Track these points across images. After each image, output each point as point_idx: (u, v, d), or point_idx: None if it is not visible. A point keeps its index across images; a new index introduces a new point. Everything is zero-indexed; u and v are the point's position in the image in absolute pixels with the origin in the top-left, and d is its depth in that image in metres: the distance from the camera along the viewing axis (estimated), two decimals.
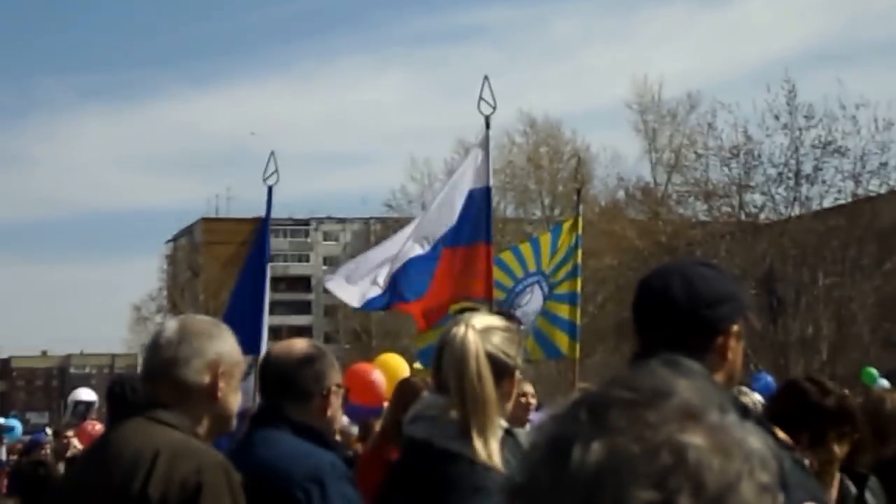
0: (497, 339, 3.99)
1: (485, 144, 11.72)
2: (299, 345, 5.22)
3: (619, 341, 42.29)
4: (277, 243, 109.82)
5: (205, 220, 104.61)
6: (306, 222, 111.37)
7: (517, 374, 4.13)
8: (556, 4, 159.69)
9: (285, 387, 4.90)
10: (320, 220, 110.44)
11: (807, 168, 39.62)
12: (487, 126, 10.95)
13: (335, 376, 4.98)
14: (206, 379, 4.19)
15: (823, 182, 40.03)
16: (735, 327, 3.80)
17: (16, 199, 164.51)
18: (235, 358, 4.37)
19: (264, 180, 10.08)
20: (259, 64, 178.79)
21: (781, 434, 4.36)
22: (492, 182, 11.87)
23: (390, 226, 57.86)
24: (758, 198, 41.48)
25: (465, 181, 11.72)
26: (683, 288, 3.74)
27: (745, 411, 3.34)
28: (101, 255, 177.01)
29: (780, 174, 39.61)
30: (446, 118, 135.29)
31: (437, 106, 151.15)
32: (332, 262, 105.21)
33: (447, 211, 11.62)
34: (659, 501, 1.57)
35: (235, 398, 4.35)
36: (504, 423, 3.93)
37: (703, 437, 1.64)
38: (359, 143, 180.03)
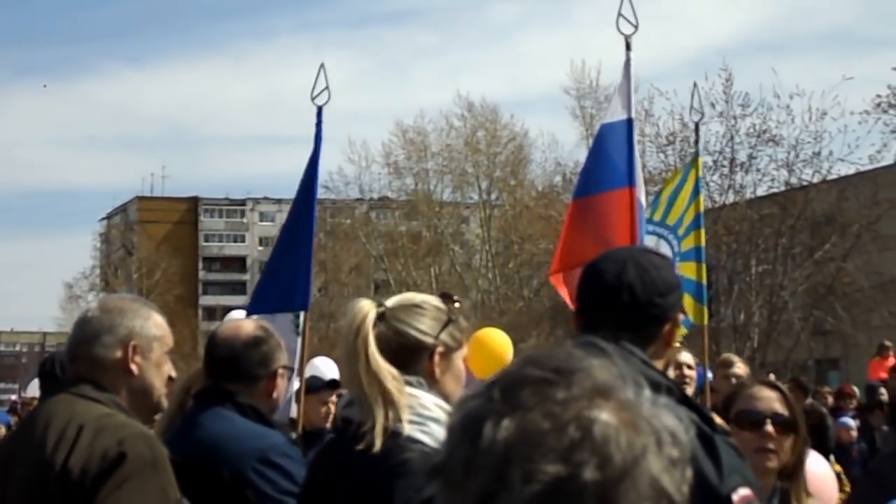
0: (408, 316, 4.01)
1: (626, 70, 9.84)
2: (247, 327, 5.20)
3: (553, 326, 42.68)
4: (213, 223, 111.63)
5: (139, 198, 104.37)
6: (242, 203, 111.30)
7: (460, 353, 4.12)
8: None
9: (232, 368, 4.89)
10: (256, 201, 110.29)
11: (741, 156, 40.06)
12: (628, 48, 9.41)
13: (281, 358, 4.97)
14: (119, 354, 4.20)
15: (758, 170, 40.47)
16: (679, 316, 3.96)
17: None
18: (152, 333, 4.34)
19: (313, 99, 8.90)
20: (195, 43, 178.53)
21: (718, 419, 4.38)
22: (633, 113, 9.80)
23: (327, 207, 58.50)
24: None
25: (606, 115, 10.12)
26: (639, 275, 3.82)
27: (668, 392, 3.10)
28: (33, 233, 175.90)
29: (714, 162, 39.98)
30: (384, 100, 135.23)
31: (374, 88, 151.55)
32: (267, 243, 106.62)
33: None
34: (565, 475, 1.64)
35: (157, 374, 4.33)
36: (445, 406, 3.90)
37: (612, 414, 1.71)
38: (295, 124, 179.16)
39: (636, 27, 9.22)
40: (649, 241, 9.89)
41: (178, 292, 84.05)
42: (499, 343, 9.79)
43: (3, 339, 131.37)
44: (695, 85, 11.08)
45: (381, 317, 4.00)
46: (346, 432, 4.05)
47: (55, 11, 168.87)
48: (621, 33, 9.15)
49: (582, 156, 51.78)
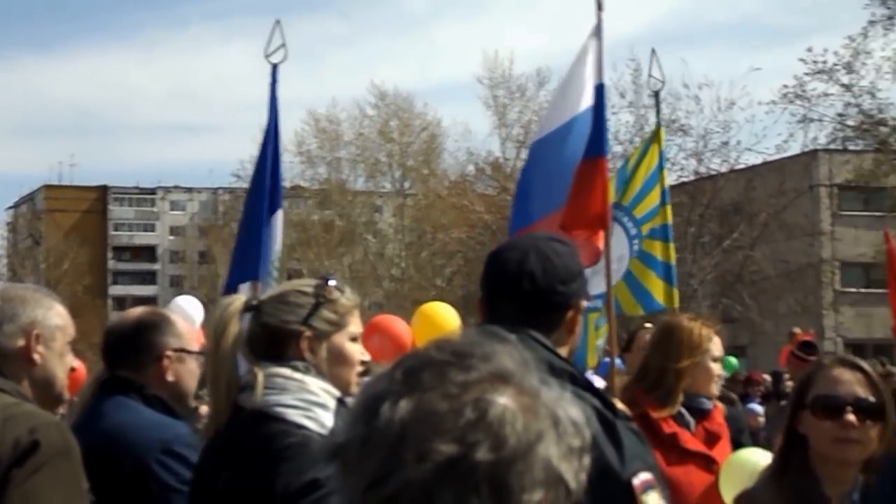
0: (272, 307, 4.05)
1: (598, 31, 9.03)
2: (135, 313, 5.23)
3: (466, 314, 42.73)
4: (123, 212, 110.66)
5: (47, 187, 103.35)
6: (153, 191, 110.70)
7: (339, 336, 4.09)
8: None
9: (118, 355, 4.88)
10: (167, 190, 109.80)
11: None
12: (600, 7, 8.74)
13: (172, 342, 4.92)
14: (20, 343, 4.16)
15: (667, 160, 41.01)
16: (583, 303, 3.97)
17: None
18: (54, 323, 4.29)
19: (267, 57, 8.57)
20: (105, 31, 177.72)
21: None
22: (606, 79, 9.14)
23: (238, 196, 58.60)
24: None
25: (587, 77, 9.13)
26: (540, 263, 3.83)
27: (572, 379, 3.36)
28: None
29: (625, 151, 40.52)
30: (294, 89, 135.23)
31: (286, 77, 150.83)
32: (178, 233, 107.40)
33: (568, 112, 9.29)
34: (458, 454, 1.69)
35: (59, 365, 4.29)
36: (333, 391, 3.94)
37: (511, 398, 1.74)
38: (206, 114, 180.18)
39: None
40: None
41: (87, 282, 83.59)
42: (445, 318, 9.79)
43: None
44: (653, 52, 10.48)
45: (253, 313, 4.06)
46: (235, 419, 4.05)
47: None
48: None
49: (495, 145, 52.14)
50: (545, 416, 1.81)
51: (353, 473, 1.81)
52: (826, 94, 38.28)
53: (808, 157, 43.77)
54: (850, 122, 38.90)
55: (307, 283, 4.31)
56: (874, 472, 3.88)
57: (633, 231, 10.08)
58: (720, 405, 6.33)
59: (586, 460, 1.86)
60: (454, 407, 1.77)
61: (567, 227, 8.28)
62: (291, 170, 58.50)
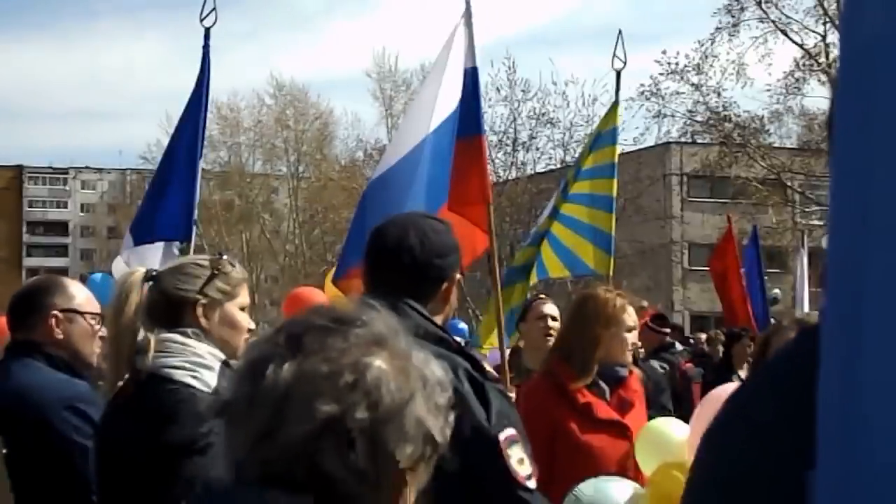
0: (171, 277, 4.05)
1: (468, 17, 8.16)
2: (31, 279, 5.18)
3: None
4: (37, 190, 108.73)
5: None
6: (65, 171, 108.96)
7: (229, 305, 4.07)
8: None
9: (15, 317, 4.81)
10: (79, 170, 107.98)
11: (523, 136, 41.36)
12: None
13: (60, 302, 4.78)
14: None
15: (537, 149, 41.66)
16: (457, 275, 3.97)
17: None
18: None
19: (201, 21, 8.31)
20: (20, 22, 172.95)
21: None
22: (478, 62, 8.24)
23: (145, 177, 57.84)
24: None
25: (458, 60, 8.26)
26: (419, 238, 3.84)
27: (445, 344, 3.39)
28: None
29: (500, 141, 40.88)
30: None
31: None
32: (88, 209, 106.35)
33: (446, 99, 8.20)
34: (338, 414, 1.72)
35: None
36: (219, 354, 3.92)
37: (385, 361, 1.78)
38: (116, 101, 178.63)
39: None
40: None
41: (2, 254, 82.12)
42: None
43: None
44: (620, 32, 9.78)
45: (153, 282, 4.04)
46: (131, 380, 4.02)
47: None
48: None
49: (382, 133, 52.07)
50: (415, 377, 1.85)
51: (240, 429, 1.83)
52: (678, 93, 39.17)
53: (662, 149, 44.85)
54: (699, 118, 39.76)
55: (203, 258, 4.31)
56: None
57: (561, 191, 9.68)
58: (636, 371, 6.24)
59: (451, 417, 1.90)
60: (334, 370, 1.79)
61: (453, 207, 7.68)
62: None
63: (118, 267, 7.87)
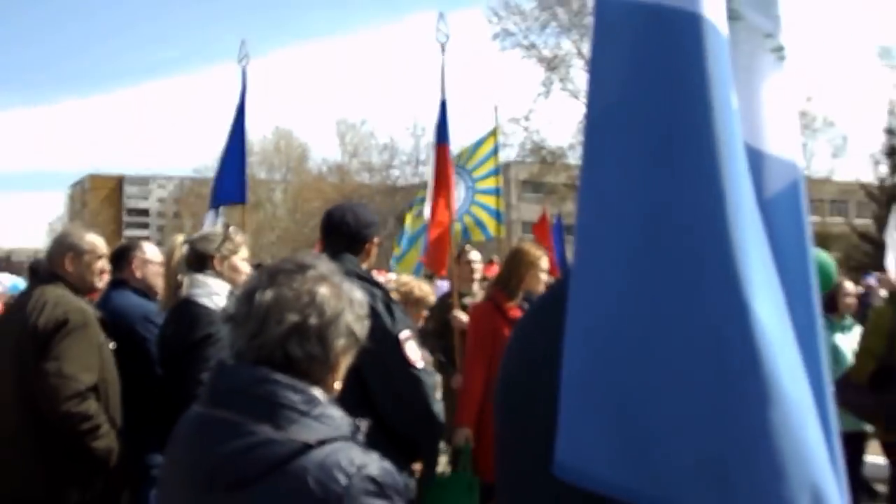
0: (199, 241, 4.52)
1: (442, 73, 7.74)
2: (122, 241, 5.63)
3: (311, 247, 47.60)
4: (131, 190, 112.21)
5: None
6: (147, 179, 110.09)
7: (234, 257, 4.43)
8: None
9: (114, 265, 4.90)
10: (155, 177, 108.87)
11: None
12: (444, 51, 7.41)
13: (139, 255, 5.07)
14: (66, 261, 4.39)
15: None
16: (375, 240, 4.25)
17: None
18: (84, 248, 4.45)
19: (239, 62, 7.68)
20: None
21: (395, 295, 5.14)
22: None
23: (198, 181, 61.38)
24: None
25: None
26: (353, 216, 4.18)
27: (366, 280, 3.89)
28: None
29: None
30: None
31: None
32: (161, 201, 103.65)
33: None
34: (300, 320, 2.03)
35: (89, 273, 4.45)
36: (226, 286, 4.22)
37: (327, 289, 2.09)
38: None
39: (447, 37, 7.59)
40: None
41: (112, 228, 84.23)
42: None
43: None
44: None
45: (188, 244, 4.51)
46: (176, 302, 4.48)
47: None
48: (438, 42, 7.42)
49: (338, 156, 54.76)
50: (345, 298, 2.12)
51: (240, 331, 2.08)
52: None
53: (503, 165, 44.34)
54: (528, 146, 39.68)
55: (218, 228, 4.92)
56: None
57: (470, 185, 10.11)
58: None
59: (367, 322, 2.16)
60: (296, 295, 2.06)
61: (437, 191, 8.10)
62: None
63: (207, 223, 7.58)
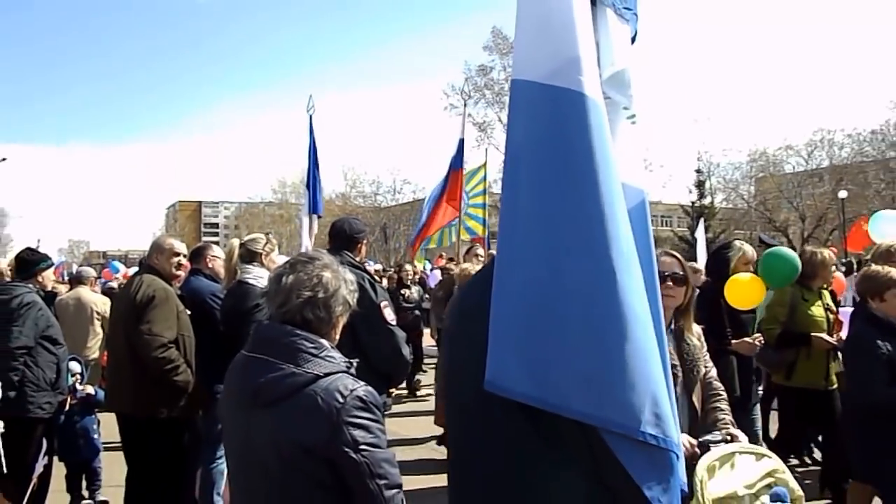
0: (250, 243, 5.03)
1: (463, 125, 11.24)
2: (198, 244, 5.92)
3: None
4: (206, 210, 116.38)
5: None
6: (217, 202, 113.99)
7: (272, 254, 5.07)
8: None
9: (192, 259, 5.60)
10: (223, 202, 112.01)
11: None
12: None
13: (209, 253, 5.63)
14: (157, 258, 5.03)
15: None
16: (364, 240, 4.67)
17: None
18: (164, 248, 5.04)
19: (307, 111, 8.47)
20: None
21: (378, 279, 5.37)
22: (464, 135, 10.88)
23: (258, 205, 64.80)
24: None
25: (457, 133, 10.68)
26: (349, 225, 4.66)
27: (359, 268, 4.42)
28: None
29: None
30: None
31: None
32: (227, 217, 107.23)
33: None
34: (311, 295, 2.28)
35: (167, 264, 5.05)
36: (266, 273, 4.68)
37: (329, 273, 2.33)
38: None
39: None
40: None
41: (193, 236, 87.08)
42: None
43: None
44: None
45: (241, 245, 5.01)
46: (233, 283, 4.99)
47: None
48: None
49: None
50: (342, 279, 2.36)
51: (272, 302, 2.33)
52: None
53: None
54: None
55: (262, 235, 5.34)
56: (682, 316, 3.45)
57: (466, 200, 11.53)
58: None
59: (356, 294, 2.42)
60: (308, 277, 2.31)
61: (449, 201, 10.63)
62: None
63: (305, 225, 8.62)
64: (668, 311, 3.23)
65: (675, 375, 2.89)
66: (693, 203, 43.06)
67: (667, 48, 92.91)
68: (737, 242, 5.90)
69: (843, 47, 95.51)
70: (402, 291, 11.47)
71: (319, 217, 8.84)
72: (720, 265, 5.61)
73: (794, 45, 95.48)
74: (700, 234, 13.45)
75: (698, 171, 43.79)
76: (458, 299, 2.35)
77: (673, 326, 3.39)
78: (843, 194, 37.11)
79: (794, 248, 10.64)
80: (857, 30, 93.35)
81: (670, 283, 3.33)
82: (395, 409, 9.65)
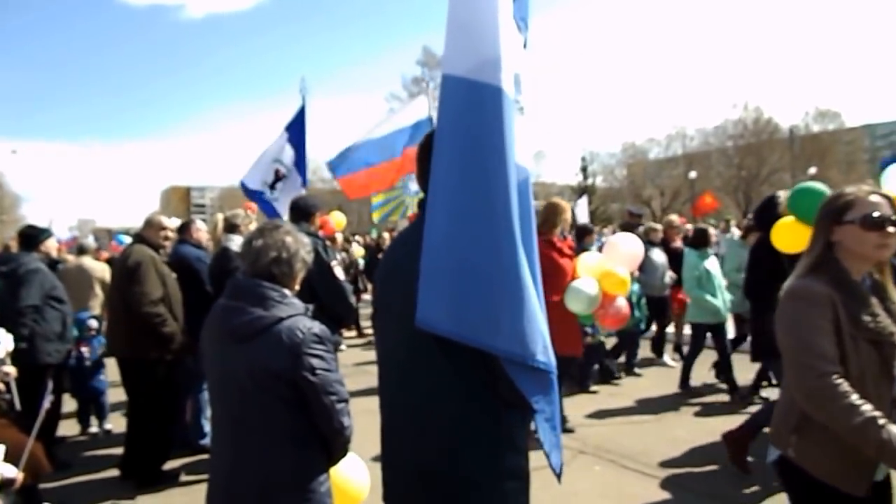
0: (229, 217, 5.11)
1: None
2: (184, 220, 5.53)
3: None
4: (194, 194, 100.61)
5: None
6: (203, 188, 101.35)
7: (250, 226, 4.95)
8: None
9: (179, 232, 5.34)
10: (210, 187, 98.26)
11: None
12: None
13: (198, 223, 5.42)
14: (149, 230, 4.91)
15: None
16: (318, 213, 4.59)
17: None
18: (164, 223, 4.98)
19: (300, 91, 7.28)
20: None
21: (329, 243, 5.28)
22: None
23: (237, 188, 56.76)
24: None
25: (417, 110, 8.01)
26: (304, 202, 4.56)
27: (314, 236, 4.36)
28: None
29: None
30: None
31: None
32: (212, 199, 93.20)
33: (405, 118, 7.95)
34: (276, 255, 2.25)
35: (157, 237, 4.96)
36: (241, 238, 4.62)
37: (290, 238, 2.32)
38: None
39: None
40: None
41: (182, 218, 72.14)
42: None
43: None
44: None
45: (226, 219, 5.03)
46: (218, 249, 4.95)
47: None
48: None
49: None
50: (300, 242, 2.34)
51: (246, 261, 2.32)
52: None
53: None
54: None
55: (241, 210, 5.27)
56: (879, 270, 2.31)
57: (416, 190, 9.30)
58: (569, 238, 5.85)
59: (311, 256, 2.42)
60: (274, 241, 2.30)
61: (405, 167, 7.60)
62: None
63: (293, 194, 6.95)
64: (869, 265, 2.31)
65: (892, 345, 2.18)
66: (578, 183, 44.54)
67: (565, 58, 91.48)
68: (781, 193, 4.79)
69: (695, 54, 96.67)
70: (380, 255, 11.12)
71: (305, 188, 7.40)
72: (773, 217, 4.53)
73: (656, 52, 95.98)
74: (583, 205, 13.52)
75: (583, 158, 45.96)
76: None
77: (868, 283, 2.33)
78: (692, 175, 39.86)
79: (655, 219, 10.52)
80: (707, 39, 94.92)
81: (891, 230, 2.25)
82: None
